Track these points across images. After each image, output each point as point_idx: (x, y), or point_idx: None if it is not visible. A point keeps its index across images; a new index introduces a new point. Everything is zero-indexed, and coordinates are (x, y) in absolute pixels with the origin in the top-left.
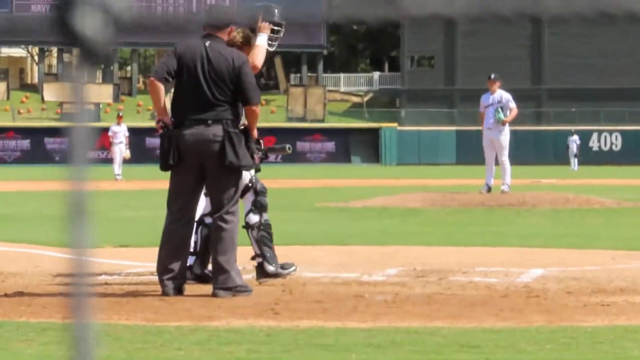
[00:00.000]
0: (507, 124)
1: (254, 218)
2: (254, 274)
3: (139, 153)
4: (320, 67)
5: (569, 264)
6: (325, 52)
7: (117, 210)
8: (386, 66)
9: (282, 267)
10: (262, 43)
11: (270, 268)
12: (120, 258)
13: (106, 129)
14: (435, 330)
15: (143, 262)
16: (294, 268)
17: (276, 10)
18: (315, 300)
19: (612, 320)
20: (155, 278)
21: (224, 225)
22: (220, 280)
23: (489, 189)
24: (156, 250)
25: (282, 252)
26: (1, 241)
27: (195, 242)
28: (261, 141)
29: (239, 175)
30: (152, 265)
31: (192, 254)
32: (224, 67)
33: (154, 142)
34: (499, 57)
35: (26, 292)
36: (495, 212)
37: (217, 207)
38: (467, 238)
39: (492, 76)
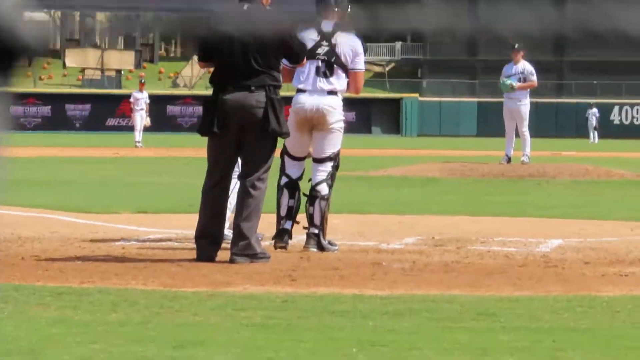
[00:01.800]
0: (527, 95)
1: (326, 189)
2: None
3: (159, 121)
4: None
5: (587, 234)
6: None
7: (136, 176)
8: (409, 36)
9: (330, 243)
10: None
11: (325, 242)
12: (138, 224)
13: (128, 96)
14: (452, 298)
15: (161, 228)
16: (337, 247)
17: None
18: (332, 267)
19: (630, 290)
20: (172, 244)
21: (252, 191)
22: (240, 246)
23: (509, 160)
24: (172, 216)
25: (300, 219)
26: (19, 206)
27: (292, 207)
28: None
29: (275, 142)
30: (170, 232)
31: (289, 218)
32: (266, 32)
33: (174, 109)
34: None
35: (43, 257)
36: (515, 183)
37: (249, 172)
38: (486, 208)
39: (516, 46)
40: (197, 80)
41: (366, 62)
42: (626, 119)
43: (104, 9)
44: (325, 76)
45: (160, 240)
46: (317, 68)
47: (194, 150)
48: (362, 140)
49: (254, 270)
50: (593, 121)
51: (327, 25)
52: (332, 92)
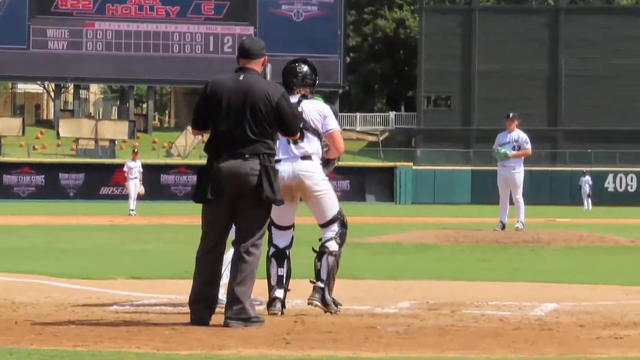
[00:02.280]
0: (521, 164)
1: (334, 246)
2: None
3: (153, 190)
4: (337, 106)
5: (582, 298)
6: (341, 91)
7: (130, 244)
8: (402, 106)
9: (334, 302)
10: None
11: (329, 298)
12: (131, 289)
13: (121, 165)
14: None
15: (155, 293)
16: (339, 309)
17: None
18: (327, 330)
19: (624, 352)
20: (166, 308)
21: (247, 257)
22: (234, 310)
23: (503, 227)
24: (167, 282)
25: (296, 285)
26: (13, 272)
27: (282, 276)
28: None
29: (269, 209)
30: (164, 297)
31: (280, 287)
32: (260, 102)
33: (168, 178)
34: (515, 98)
35: (37, 321)
36: (509, 249)
37: (243, 238)
38: (481, 273)
39: (511, 115)
40: (191, 150)
41: (361, 132)
42: (620, 187)
43: (97, 81)
44: (296, 142)
45: (154, 304)
46: None
47: (187, 218)
48: (356, 207)
49: (248, 333)
50: (586, 189)
51: (293, 98)
52: (306, 157)
